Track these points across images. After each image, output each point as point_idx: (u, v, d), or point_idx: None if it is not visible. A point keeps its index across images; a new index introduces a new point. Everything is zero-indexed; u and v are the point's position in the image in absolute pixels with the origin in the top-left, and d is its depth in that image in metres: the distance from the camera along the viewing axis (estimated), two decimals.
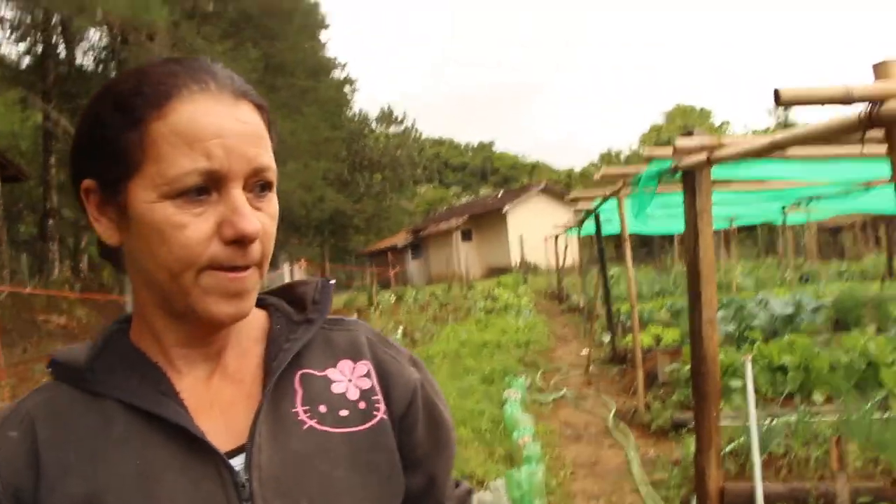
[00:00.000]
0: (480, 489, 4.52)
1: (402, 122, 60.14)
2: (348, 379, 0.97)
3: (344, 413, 0.94)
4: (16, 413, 0.87)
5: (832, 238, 29.95)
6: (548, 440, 6.82)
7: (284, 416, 0.91)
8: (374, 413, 0.95)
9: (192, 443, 0.85)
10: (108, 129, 0.83)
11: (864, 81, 2.44)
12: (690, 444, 5.22)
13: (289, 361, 0.93)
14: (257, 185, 0.85)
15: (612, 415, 7.70)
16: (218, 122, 0.82)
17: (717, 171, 5.00)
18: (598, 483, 5.76)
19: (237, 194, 0.83)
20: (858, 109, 2.37)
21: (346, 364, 0.98)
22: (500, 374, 9.11)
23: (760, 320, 9.86)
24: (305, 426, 0.91)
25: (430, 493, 1.02)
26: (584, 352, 11.34)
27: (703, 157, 4.50)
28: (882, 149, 4.21)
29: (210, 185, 0.82)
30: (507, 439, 6.07)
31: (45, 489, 0.82)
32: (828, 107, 2.59)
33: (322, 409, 0.93)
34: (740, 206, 12.19)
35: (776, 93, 2.42)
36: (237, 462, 0.86)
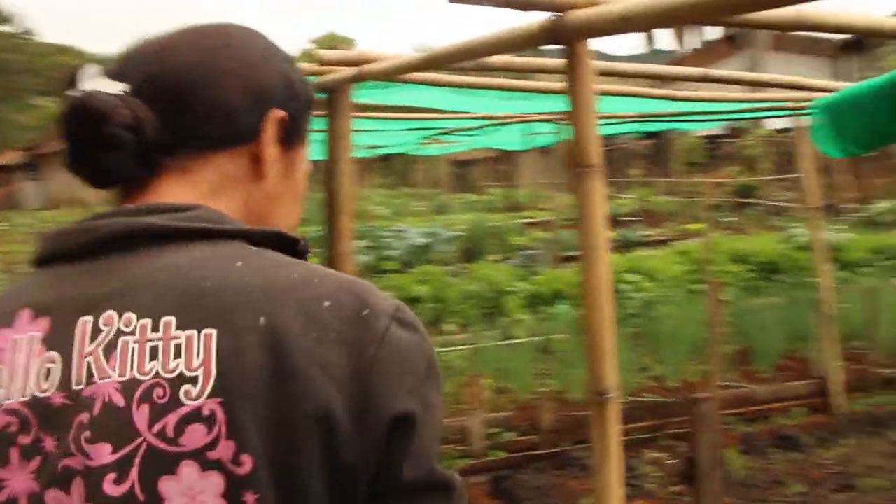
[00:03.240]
0: None
1: (10, 21, 53.46)
2: None
3: None
4: None
5: (463, 171, 31.99)
6: None
7: None
8: None
9: None
10: (300, 96, 0.94)
11: None
12: None
13: None
14: None
15: None
16: None
17: (361, 95, 4.68)
18: None
19: None
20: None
21: None
22: None
23: (397, 250, 9.98)
24: None
25: None
26: None
27: (351, 72, 4.12)
28: (522, 83, 4.17)
29: None
30: None
31: None
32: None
33: None
34: (380, 136, 12.22)
35: None
36: None
